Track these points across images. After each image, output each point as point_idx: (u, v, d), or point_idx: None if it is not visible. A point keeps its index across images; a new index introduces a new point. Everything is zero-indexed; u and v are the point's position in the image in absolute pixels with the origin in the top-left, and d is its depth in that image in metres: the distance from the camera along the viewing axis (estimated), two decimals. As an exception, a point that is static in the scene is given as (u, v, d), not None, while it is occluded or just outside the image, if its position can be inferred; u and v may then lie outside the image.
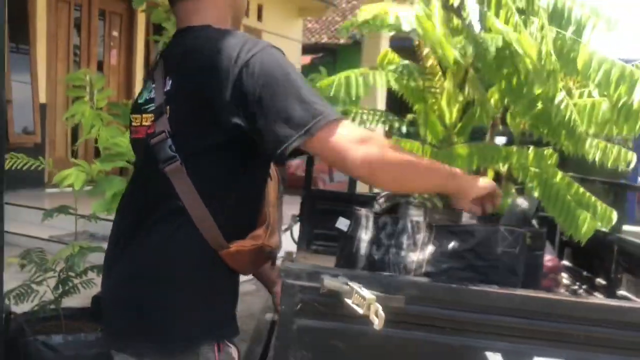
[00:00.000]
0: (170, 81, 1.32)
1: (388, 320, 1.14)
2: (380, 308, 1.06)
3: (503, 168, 1.79)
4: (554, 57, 1.34)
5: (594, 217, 1.66)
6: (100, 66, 7.91)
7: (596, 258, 2.69)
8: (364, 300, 1.09)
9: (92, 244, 2.64)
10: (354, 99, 1.34)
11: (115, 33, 8.05)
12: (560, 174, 1.81)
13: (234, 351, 1.33)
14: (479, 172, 1.77)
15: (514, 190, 1.75)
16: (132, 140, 1.49)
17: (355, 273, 1.21)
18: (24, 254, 2.57)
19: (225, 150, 1.27)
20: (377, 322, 1.05)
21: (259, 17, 10.05)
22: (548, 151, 1.72)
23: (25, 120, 6.88)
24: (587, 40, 1.50)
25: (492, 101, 1.71)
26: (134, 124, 1.43)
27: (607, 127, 1.54)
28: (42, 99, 7.07)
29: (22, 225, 5.20)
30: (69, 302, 2.70)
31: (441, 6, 1.27)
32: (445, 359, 1.20)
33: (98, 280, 2.77)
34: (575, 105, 1.52)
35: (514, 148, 1.73)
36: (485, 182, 1.36)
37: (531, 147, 1.73)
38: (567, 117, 1.40)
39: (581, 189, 1.80)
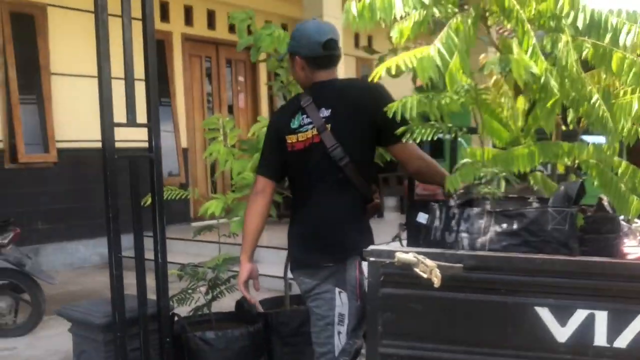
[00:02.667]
0: (327, 111, 2.24)
1: (452, 286, 1.48)
2: (438, 272, 1.40)
3: (568, 162, 2.03)
4: (575, 67, 1.61)
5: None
6: (230, 110, 8.81)
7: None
8: (428, 268, 1.43)
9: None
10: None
11: (241, 78, 8.93)
12: (624, 163, 2.02)
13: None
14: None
15: (574, 179, 1.98)
16: (291, 153, 2.31)
17: (424, 250, 1.55)
18: (181, 268, 3.17)
19: (370, 145, 2.33)
20: (436, 282, 1.39)
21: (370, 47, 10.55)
22: (605, 145, 1.93)
23: (171, 164, 7.84)
24: (623, 43, 1.73)
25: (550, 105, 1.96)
26: (289, 142, 2.30)
27: (644, 119, 1.75)
28: (184, 144, 8.03)
29: (174, 254, 5.95)
30: (218, 307, 3.25)
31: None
32: (500, 315, 1.50)
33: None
34: (615, 103, 1.76)
35: (576, 144, 1.97)
36: None
37: (590, 142, 1.96)
38: (599, 114, 1.65)
39: (645, 176, 1.99)
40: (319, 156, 2.24)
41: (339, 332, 2.19)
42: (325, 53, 2.30)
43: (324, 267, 2.22)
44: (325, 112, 2.25)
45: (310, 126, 2.25)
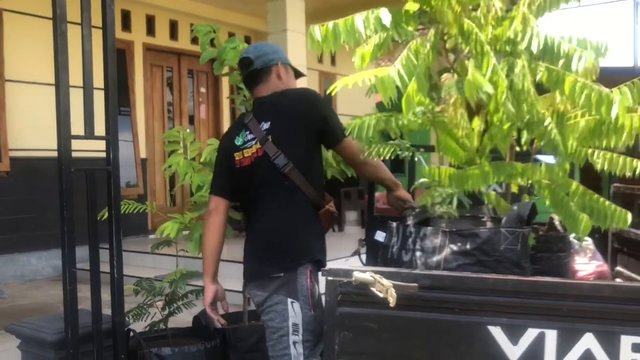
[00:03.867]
0: (267, 124, 2.30)
1: (408, 305, 1.50)
2: (394, 291, 1.42)
3: (522, 182, 2.09)
4: (532, 90, 1.66)
5: (600, 219, 1.93)
6: (191, 120, 8.73)
7: (642, 261, 2.86)
8: (384, 287, 1.45)
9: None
10: (368, 139, 1.76)
11: (203, 89, 8.87)
12: (575, 184, 2.09)
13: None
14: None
15: (527, 200, 2.04)
16: (239, 169, 2.36)
17: (380, 269, 1.57)
18: (137, 282, 3.11)
19: (313, 151, 2.35)
20: (392, 302, 1.41)
21: (333, 63, 10.65)
22: (556, 166, 1.99)
23: (129, 175, 7.71)
24: (576, 68, 1.79)
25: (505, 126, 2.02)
26: (237, 159, 2.35)
27: (593, 141, 1.82)
28: (143, 154, 7.91)
29: (131, 267, 5.87)
30: (175, 322, 3.20)
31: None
32: (454, 334, 1.53)
33: (197, 302, 3.26)
34: (567, 125, 1.82)
35: (529, 165, 2.03)
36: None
37: (543, 163, 2.03)
38: (551, 137, 1.71)
39: (595, 196, 2.07)
40: (264, 168, 2.29)
41: (294, 342, 2.20)
42: (244, 73, 2.47)
43: (274, 277, 2.23)
44: (265, 125, 2.31)
45: (254, 141, 2.32)
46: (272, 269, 2.23)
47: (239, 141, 2.37)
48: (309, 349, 2.22)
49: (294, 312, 2.18)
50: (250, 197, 2.36)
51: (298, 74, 2.55)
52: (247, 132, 2.35)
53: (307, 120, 2.29)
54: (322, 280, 1.71)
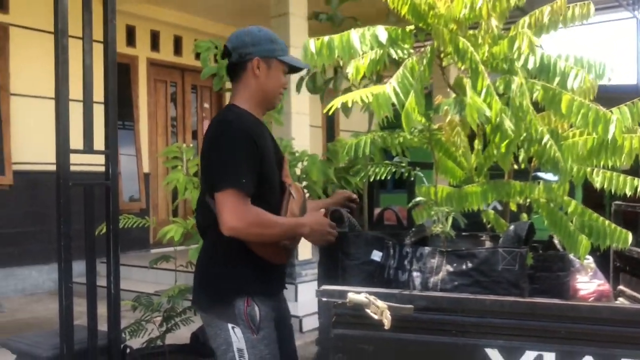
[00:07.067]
0: None
1: (403, 327, 1.48)
2: (389, 313, 1.40)
3: (520, 201, 2.07)
4: (531, 109, 1.65)
5: (600, 238, 1.91)
6: (194, 135, 8.74)
7: (644, 280, 2.83)
8: (379, 309, 1.43)
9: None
10: (364, 157, 1.75)
11: (206, 105, 8.90)
12: (574, 202, 2.07)
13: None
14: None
15: (525, 218, 2.02)
16: None
17: (375, 290, 1.55)
18: (135, 298, 3.10)
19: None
20: (387, 324, 1.39)
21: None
22: (556, 184, 1.98)
23: (132, 189, 7.72)
24: (571, 87, 1.78)
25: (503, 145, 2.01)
26: None
27: (591, 160, 1.80)
28: (146, 169, 7.92)
29: (132, 282, 5.85)
30: (173, 338, 3.18)
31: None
32: (451, 356, 1.50)
33: (196, 318, 3.24)
34: (564, 144, 1.81)
35: (528, 183, 2.02)
36: (317, 219, 2.06)
37: (541, 181, 2.01)
38: (551, 154, 1.69)
39: (594, 215, 2.05)
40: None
41: None
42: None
43: (212, 309, 2.11)
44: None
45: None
46: (209, 301, 2.12)
47: None
48: None
49: (237, 337, 2.05)
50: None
51: (293, 69, 2.20)
52: None
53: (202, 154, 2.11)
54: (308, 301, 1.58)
